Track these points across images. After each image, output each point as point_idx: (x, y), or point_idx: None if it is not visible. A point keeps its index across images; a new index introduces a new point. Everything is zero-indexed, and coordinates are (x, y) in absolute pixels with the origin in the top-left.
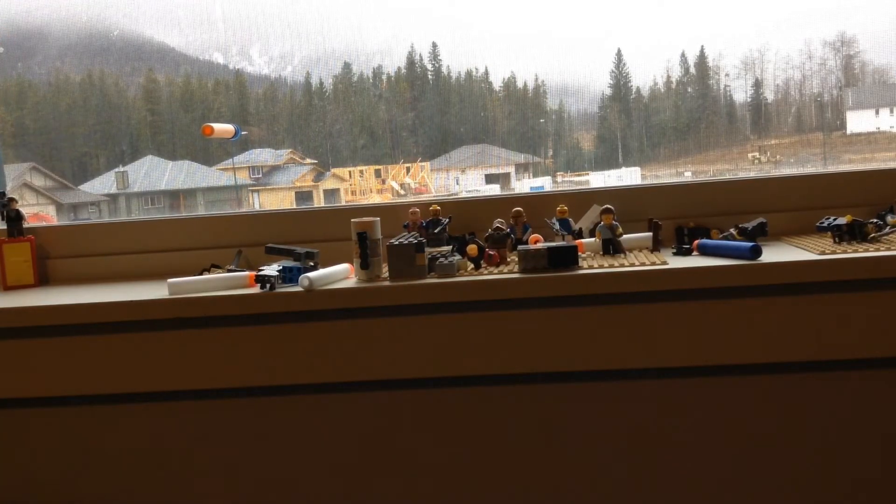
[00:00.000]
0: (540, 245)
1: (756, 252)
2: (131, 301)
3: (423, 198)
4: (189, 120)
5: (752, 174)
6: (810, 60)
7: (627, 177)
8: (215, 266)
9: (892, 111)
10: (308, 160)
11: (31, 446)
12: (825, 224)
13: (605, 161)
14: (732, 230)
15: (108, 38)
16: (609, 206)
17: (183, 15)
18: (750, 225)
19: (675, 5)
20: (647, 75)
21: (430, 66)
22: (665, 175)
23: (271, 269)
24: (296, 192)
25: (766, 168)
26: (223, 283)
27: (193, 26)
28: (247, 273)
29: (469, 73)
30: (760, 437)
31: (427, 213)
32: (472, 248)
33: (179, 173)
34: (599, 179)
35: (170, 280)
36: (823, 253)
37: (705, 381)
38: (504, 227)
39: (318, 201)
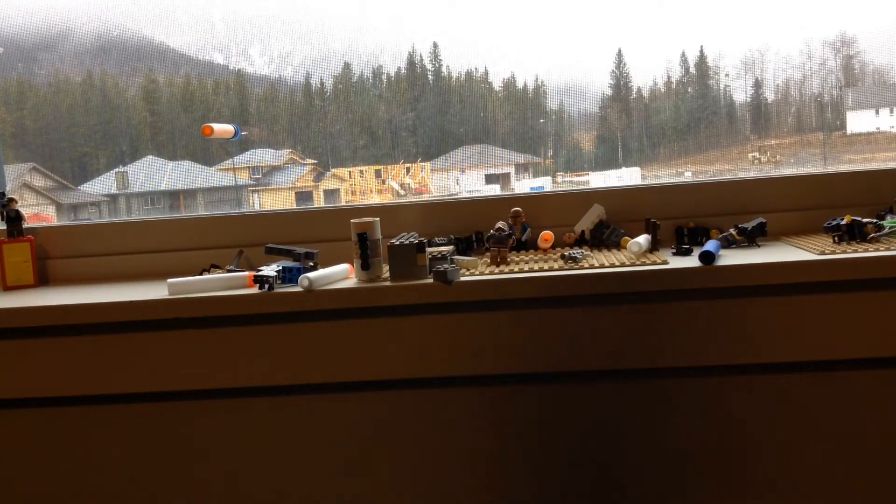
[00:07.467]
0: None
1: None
2: (131, 301)
3: (424, 198)
4: (189, 120)
5: (752, 174)
6: (810, 60)
7: (627, 177)
8: (215, 266)
9: (892, 111)
10: (308, 160)
11: (31, 446)
12: (833, 224)
13: (605, 161)
14: (732, 230)
15: (108, 38)
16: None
17: (183, 15)
18: (749, 225)
19: (675, 5)
20: (647, 75)
21: (430, 67)
22: (665, 175)
23: (270, 270)
24: (296, 193)
25: (766, 168)
26: (223, 283)
27: (193, 26)
28: (246, 273)
29: (469, 73)
30: (760, 437)
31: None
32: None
33: (179, 173)
34: (599, 179)
35: (170, 280)
36: (823, 253)
37: (705, 381)
38: (505, 228)
39: (318, 201)
